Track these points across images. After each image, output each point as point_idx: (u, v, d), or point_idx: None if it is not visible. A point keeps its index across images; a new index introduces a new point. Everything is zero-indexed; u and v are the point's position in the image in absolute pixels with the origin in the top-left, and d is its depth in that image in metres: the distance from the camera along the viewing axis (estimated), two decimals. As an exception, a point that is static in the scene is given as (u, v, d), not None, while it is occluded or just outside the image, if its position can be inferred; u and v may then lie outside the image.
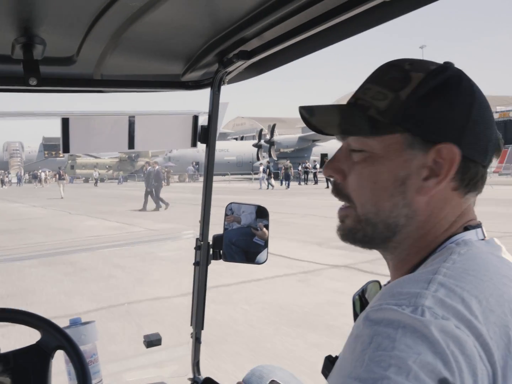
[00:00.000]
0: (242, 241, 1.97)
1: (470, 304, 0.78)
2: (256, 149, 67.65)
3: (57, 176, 41.06)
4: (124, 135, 1.91)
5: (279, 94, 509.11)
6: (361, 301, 1.20)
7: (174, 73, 1.94)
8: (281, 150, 63.83)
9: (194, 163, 69.50)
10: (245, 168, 70.27)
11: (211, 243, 2.09)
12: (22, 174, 79.93)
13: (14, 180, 77.57)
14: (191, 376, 2.29)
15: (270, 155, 61.50)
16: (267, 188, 42.14)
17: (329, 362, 1.18)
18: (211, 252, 2.10)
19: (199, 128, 2.06)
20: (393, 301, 0.79)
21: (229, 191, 36.15)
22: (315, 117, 1.07)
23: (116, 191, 45.49)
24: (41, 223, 19.35)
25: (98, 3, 1.25)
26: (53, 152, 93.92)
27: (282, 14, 1.34)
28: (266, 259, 1.95)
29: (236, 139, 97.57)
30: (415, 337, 0.72)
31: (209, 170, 2.12)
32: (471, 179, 0.99)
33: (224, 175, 65.22)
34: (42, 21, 1.35)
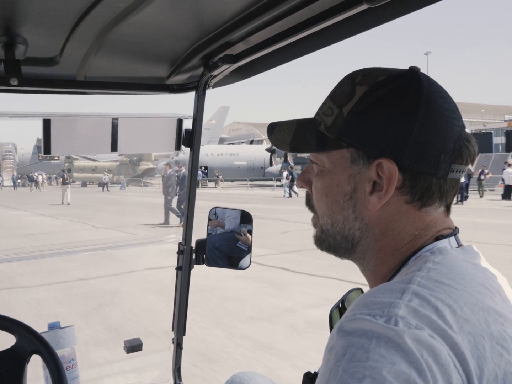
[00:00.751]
0: (226, 246, 1.96)
1: (444, 313, 0.78)
2: (268, 153, 63.18)
3: (61, 180, 36.65)
4: (107, 137, 1.90)
5: (275, 99, 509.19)
6: (340, 313, 1.20)
7: (158, 75, 1.94)
8: (298, 155, 58.91)
9: (202, 167, 63.84)
10: (256, 174, 65.25)
11: (194, 247, 2.09)
12: (16, 176, 74.00)
13: (7, 183, 73.32)
14: (171, 382, 2.27)
15: (286, 160, 56.70)
16: (289, 196, 37.17)
17: (308, 379, 1.17)
18: (194, 256, 2.10)
19: (183, 132, 2.05)
20: (366, 311, 0.79)
21: (256, 199, 33.02)
22: (273, 135, 1.12)
23: (124, 197, 40.68)
24: (67, 242, 13.93)
25: (82, 3, 1.24)
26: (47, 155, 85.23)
27: (268, 18, 1.33)
28: (249, 265, 1.94)
29: (244, 143, 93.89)
30: (389, 347, 0.72)
31: (192, 174, 2.11)
32: (424, 192, 0.97)
33: (233, 181, 63.66)
34: (24, 21, 1.34)
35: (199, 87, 1.96)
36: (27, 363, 1.48)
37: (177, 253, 2.15)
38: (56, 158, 77.84)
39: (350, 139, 0.97)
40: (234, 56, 1.65)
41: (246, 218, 1.96)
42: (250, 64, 1.71)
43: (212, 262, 1.97)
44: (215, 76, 1.87)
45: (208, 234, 1.96)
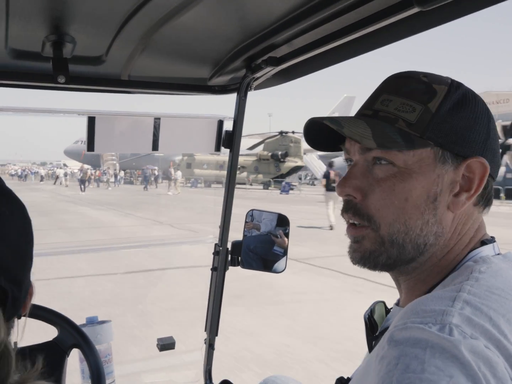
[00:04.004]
0: (261, 248, 1.96)
1: (498, 322, 0.75)
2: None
3: (324, 181, 17.57)
4: (149, 136, 1.93)
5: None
6: (370, 322, 1.16)
7: (201, 76, 1.95)
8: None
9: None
10: None
11: (229, 249, 2.10)
12: (149, 173, 55.92)
13: (111, 179, 59.09)
14: (202, 382, 2.27)
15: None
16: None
17: None
18: (229, 258, 2.10)
19: (223, 133, 2.06)
20: (418, 319, 0.77)
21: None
22: (346, 129, 0.97)
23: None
24: None
25: (129, 4, 1.26)
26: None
27: (313, 22, 1.32)
28: (285, 268, 1.92)
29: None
30: (444, 358, 0.69)
31: (231, 175, 2.12)
32: (487, 194, 1.00)
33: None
34: (73, 20, 1.37)
35: (241, 88, 1.96)
36: (68, 356, 1.51)
37: (213, 253, 2.16)
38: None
39: (441, 137, 0.95)
40: (278, 58, 1.64)
41: (283, 221, 1.95)
42: (293, 67, 1.70)
43: (247, 265, 1.98)
44: (257, 78, 1.87)
45: (244, 236, 1.97)
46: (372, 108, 1.01)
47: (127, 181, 65.73)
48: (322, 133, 1.07)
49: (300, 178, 58.91)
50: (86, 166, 58.94)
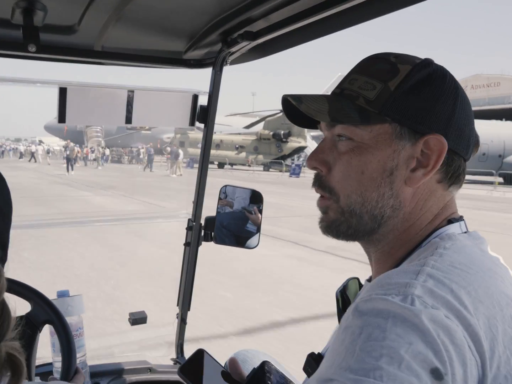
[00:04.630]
0: (234, 225, 1.96)
1: (459, 294, 0.79)
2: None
3: None
4: (122, 109, 1.91)
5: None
6: (342, 298, 1.19)
7: (176, 50, 1.92)
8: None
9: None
10: (490, 165, 37.57)
11: (203, 224, 2.09)
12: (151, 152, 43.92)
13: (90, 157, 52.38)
14: (174, 356, 2.29)
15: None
16: None
17: (312, 360, 1.17)
18: (202, 233, 2.10)
19: (198, 108, 2.04)
20: (382, 291, 0.80)
21: None
22: (303, 104, 1.03)
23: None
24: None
25: None
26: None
27: None
28: (258, 244, 1.93)
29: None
30: (405, 327, 0.73)
31: (205, 151, 2.11)
32: (454, 172, 1.02)
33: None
34: None
35: (216, 63, 1.94)
36: (39, 332, 1.49)
37: (186, 229, 2.17)
38: (146, 128, 59.32)
39: (398, 114, 0.98)
40: (254, 33, 1.63)
41: (256, 198, 1.95)
42: (269, 42, 1.68)
43: (219, 240, 1.98)
44: (233, 52, 1.85)
45: (217, 212, 1.96)
46: (341, 87, 1.06)
47: (114, 160, 59.75)
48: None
49: (293, 160, 57.03)
50: (72, 143, 52.94)
